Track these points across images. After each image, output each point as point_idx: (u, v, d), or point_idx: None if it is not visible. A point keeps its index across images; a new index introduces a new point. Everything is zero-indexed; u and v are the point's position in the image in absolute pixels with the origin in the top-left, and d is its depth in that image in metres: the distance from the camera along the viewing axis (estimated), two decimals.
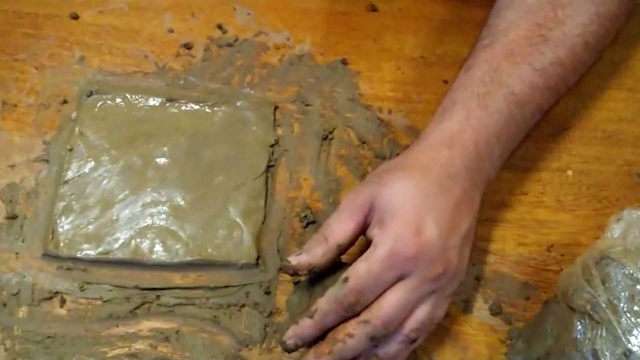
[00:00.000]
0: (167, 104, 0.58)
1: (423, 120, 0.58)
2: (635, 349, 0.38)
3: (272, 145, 0.57)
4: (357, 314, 0.43)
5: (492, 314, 0.51)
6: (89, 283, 0.51)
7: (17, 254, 0.52)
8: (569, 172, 0.57)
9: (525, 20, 0.52)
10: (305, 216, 0.54)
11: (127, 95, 0.58)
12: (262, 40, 0.63)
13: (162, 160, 0.55)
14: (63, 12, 0.64)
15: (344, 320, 0.43)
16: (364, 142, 0.58)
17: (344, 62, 0.62)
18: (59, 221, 0.52)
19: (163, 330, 0.50)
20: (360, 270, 0.42)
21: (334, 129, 0.58)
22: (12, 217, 0.53)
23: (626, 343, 0.38)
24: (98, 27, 0.64)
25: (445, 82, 0.60)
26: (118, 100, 0.58)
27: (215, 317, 0.50)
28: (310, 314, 0.43)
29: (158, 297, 0.51)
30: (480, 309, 0.51)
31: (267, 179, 0.55)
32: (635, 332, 0.38)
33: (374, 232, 0.43)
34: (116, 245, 0.52)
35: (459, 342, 0.50)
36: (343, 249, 0.45)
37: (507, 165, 0.52)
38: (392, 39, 0.63)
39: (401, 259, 0.42)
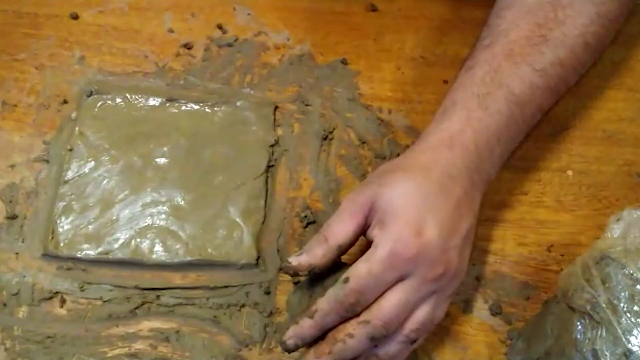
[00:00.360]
0: (167, 104, 0.58)
1: (423, 120, 0.58)
2: (635, 349, 0.38)
3: (272, 145, 0.57)
4: (358, 314, 0.43)
5: (492, 314, 0.51)
6: (89, 283, 0.51)
7: (17, 254, 0.52)
8: (569, 172, 0.57)
9: (525, 20, 0.52)
10: (305, 216, 0.54)
11: (127, 95, 0.58)
12: (262, 40, 0.63)
13: (162, 160, 0.55)
14: (63, 12, 0.64)
15: (344, 320, 0.43)
16: (364, 142, 0.58)
17: (344, 62, 0.62)
18: (59, 221, 0.52)
19: (163, 330, 0.50)
20: (360, 271, 0.42)
21: (334, 129, 0.58)
22: (12, 217, 0.53)
23: (626, 343, 0.38)
24: (98, 27, 0.63)
25: (445, 82, 0.60)
26: (118, 100, 0.58)
27: (215, 317, 0.50)
28: (310, 314, 0.43)
29: (158, 297, 0.51)
30: (480, 309, 0.51)
31: (267, 179, 0.55)
32: (635, 332, 0.38)
33: (374, 233, 0.43)
34: (116, 245, 0.52)
35: (459, 342, 0.50)
36: (343, 250, 0.45)
37: (507, 165, 0.52)
38: (392, 39, 0.63)
39: (401, 259, 0.42)
